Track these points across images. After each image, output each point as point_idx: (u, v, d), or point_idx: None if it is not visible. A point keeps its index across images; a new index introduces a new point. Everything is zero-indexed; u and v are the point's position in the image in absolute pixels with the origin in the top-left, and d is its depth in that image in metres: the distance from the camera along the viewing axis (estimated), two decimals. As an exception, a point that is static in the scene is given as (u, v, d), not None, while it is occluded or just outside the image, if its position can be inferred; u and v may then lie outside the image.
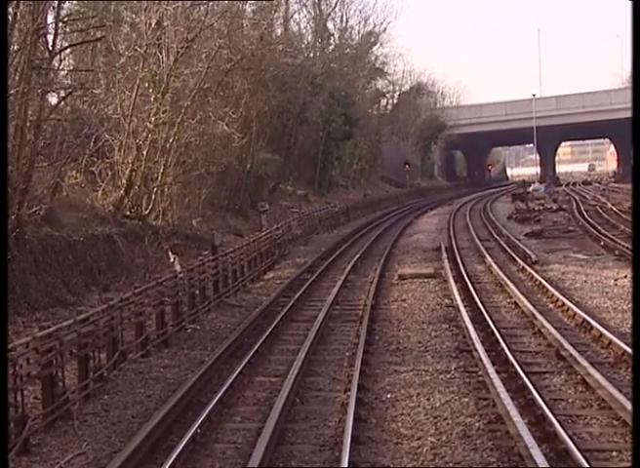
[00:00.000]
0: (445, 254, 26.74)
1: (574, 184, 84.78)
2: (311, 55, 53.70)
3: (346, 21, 63.51)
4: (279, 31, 47.49)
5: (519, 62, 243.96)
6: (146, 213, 26.02)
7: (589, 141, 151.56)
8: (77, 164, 24.13)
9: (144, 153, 25.39)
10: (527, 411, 9.76)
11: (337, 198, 52.06)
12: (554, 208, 48.19)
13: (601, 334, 13.58)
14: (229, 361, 13.05)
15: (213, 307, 18.21)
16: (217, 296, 18.80)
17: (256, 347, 13.81)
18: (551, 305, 17.35)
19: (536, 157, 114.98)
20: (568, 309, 16.28)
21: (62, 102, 21.57)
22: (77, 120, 22.00)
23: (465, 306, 17.03)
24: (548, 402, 10.01)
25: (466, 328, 14.56)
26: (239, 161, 35.95)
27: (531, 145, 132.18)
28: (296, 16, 56.95)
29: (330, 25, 61.14)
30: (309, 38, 57.73)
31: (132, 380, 11.88)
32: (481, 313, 16.11)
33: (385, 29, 67.71)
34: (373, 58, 69.48)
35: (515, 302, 17.63)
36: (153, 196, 26.23)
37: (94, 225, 22.68)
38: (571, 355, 12.15)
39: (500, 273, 21.85)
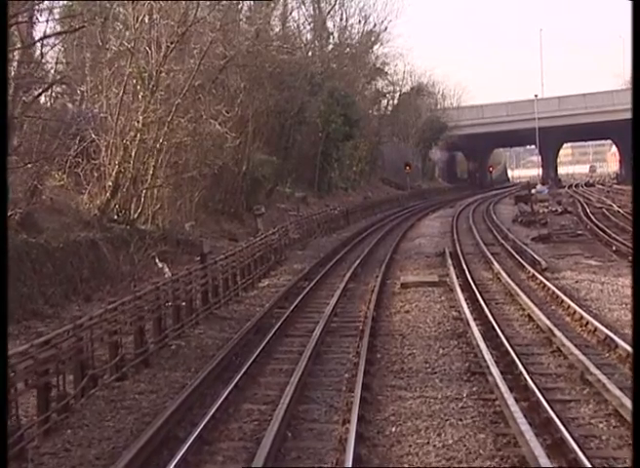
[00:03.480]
0: (449, 260, 25.36)
1: (576, 186, 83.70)
2: (310, 53, 52.37)
3: (346, 20, 62.23)
4: (277, 29, 46.06)
5: (521, 63, 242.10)
6: (135, 217, 24.67)
7: (590, 143, 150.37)
8: (60, 165, 22.75)
9: (133, 154, 24.02)
10: (556, 452, 8.40)
11: (336, 200, 50.67)
12: (559, 210, 46.86)
13: (628, 355, 12.20)
14: (214, 385, 11.68)
15: (201, 320, 16.83)
16: (205, 308, 17.42)
17: (245, 368, 12.45)
18: (568, 318, 15.98)
19: (538, 159, 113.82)
20: (587, 323, 14.91)
21: (42, 99, 20.20)
22: (54, 117, 20.56)
23: (475, 319, 15.65)
24: (578, 439, 8.64)
25: (478, 345, 13.19)
26: (235, 162, 34.60)
27: (532, 147, 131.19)
28: (294, 14, 55.62)
29: (329, 24, 59.90)
30: (308, 36, 56.45)
31: (101, 410, 10.49)
32: (492, 328, 14.74)
33: (386, 28, 66.44)
34: (373, 58, 68.21)
35: (529, 315, 16.26)
36: (142, 199, 24.85)
37: (77, 230, 21.31)
38: (598, 380, 10.79)
39: (510, 281, 20.50)
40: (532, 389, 10.50)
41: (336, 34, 61.80)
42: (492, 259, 25.21)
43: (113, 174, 22.93)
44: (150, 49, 23.57)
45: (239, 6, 36.36)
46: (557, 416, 9.36)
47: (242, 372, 12.19)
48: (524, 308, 17.07)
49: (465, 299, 18.04)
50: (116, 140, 23.33)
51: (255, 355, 13.34)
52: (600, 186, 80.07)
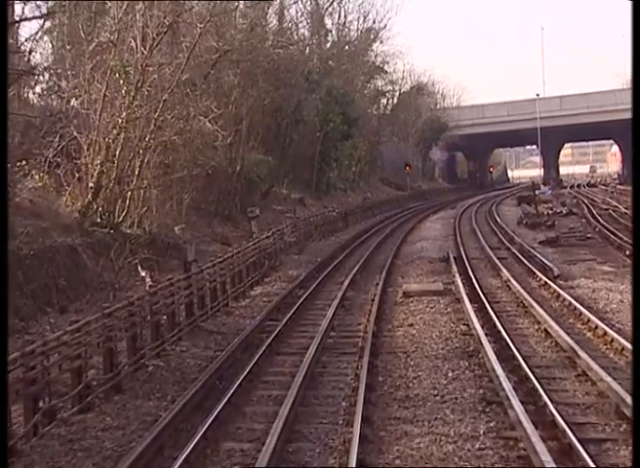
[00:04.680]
0: (454, 266, 23.84)
1: (578, 186, 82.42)
2: (307, 51, 50.86)
3: (345, 17, 60.76)
4: (273, 24, 44.51)
5: (521, 63, 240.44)
6: (119, 220, 23.14)
7: (590, 143, 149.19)
8: (39, 164, 21.24)
9: (118, 153, 22.50)
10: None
11: (334, 201, 49.13)
12: (564, 212, 45.44)
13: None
14: (192, 417, 10.17)
15: (185, 335, 15.28)
16: (190, 321, 15.87)
17: (228, 395, 10.95)
18: (589, 334, 14.47)
19: (538, 159, 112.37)
20: (612, 340, 13.41)
21: (13, 93, 18.67)
22: (22, 111, 19.04)
23: (486, 334, 14.13)
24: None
25: (492, 368, 11.67)
26: (228, 162, 33.10)
27: (531, 147, 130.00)
28: (291, 11, 54.09)
29: (327, 21, 58.40)
30: (306, 34, 54.90)
31: (54, 454, 8.94)
32: (507, 345, 13.23)
33: (385, 26, 65.07)
34: (372, 56, 66.79)
35: (546, 330, 14.73)
36: (127, 201, 23.33)
37: (54, 235, 19.77)
38: (636, 413, 9.27)
39: (520, 289, 19.00)
40: (560, 426, 9.00)
41: (334, 31, 60.41)
42: (499, 265, 23.71)
43: (95, 174, 21.40)
44: (135, 41, 22.03)
45: (235, 4, 34.79)
46: (593, 462, 7.87)
47: (225, 401, 10.69)
48: (539, 321, 15.56)
49: (474, 311, 16.54)
50: (99, 139, 21.80)
51: (241, 378, 11.84)
52: (603, 187, 78.75)
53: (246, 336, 14.96)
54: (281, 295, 20.11)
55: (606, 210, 43.36)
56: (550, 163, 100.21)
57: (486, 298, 18.10)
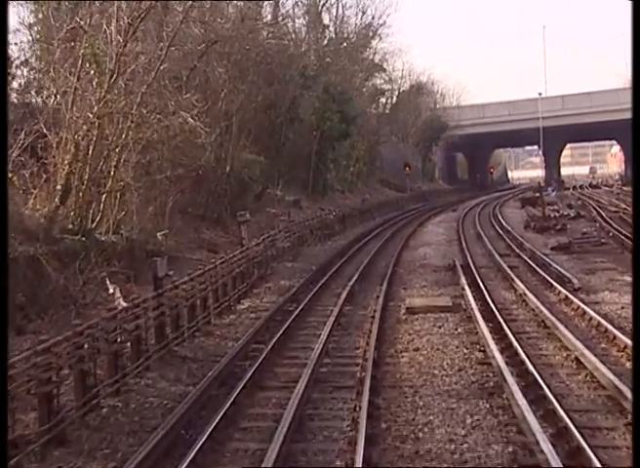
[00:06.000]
0: (462, 276, 21.68)
1: (580, 187, 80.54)
2: (303, 46, 48.68)
3: (343, 12, 58.61)
4: (268, 16, 42.26)
5: (522, 61, 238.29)
6: (93, 226, 20.93)
7: (589, 144, 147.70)
8: None
9: (91, 151, 20.29)
10: None
11: (332, 203, 46.93)
12: (572, 214, 43.40)
13: None
14: (144, 486, 8.00)
15: (154, 363, 13.05)
16: (161, 346, 13.64)
17: (194, 451, 8.78)
18: (629, 364, 12.29)
19: (538, 160, 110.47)
20: (660, 374, 11.22)
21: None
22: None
23: (507, 364, 11.99)
24: None
25: (522, 414, 9.49)
26: (217, 162, 30.91)
27: (531, 148, 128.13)
28: (288, 3, 51.98)
29: (324, 16, 56.23)
30: (302, 28, 52.76)
31: None
32: (535, 381, 11.05)
33: (385, 22, 63.03)
34: (371, 53, 64.77)
35: (577, 359, 12.53)
36: (102, 205, 21.12)
37: (15, 244, 17.56)
38: None
39: (539, 305, 16.85)
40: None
41: (332, 28, 58.28)
42: (511, 275, 21.57)
43: (63, 175, 19.18)
44: (109, 27, 19.82)
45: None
46: None
47: (189, 460, 8.52)
48: (567, 347, 13.38)
49: (489, 332, 14.37)
50: (68, 136, 19.60)
51: (213, 425, 9.66)
52: (606, 188, 76.85)
53: (226, 365, 12.80)
54: (270, 311, 17.96)
55: (616, 212, 41.25)
56: (552, 164, 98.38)
57: (501, 316, 15.95)
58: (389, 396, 11.17)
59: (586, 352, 12.45)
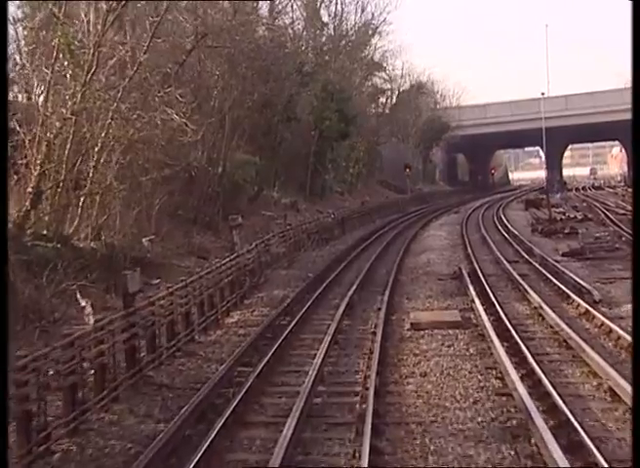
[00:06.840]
0: (470, 286, 20.01)
1: (583, 189, 79.03)
2: (301, 42, 47.04)
3: (342, 9, 57.02)
4: (264, 11, 40.61)
5: (524, 61, 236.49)
6: (70, 231, 19.29)
7: (590, 145, 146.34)
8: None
9: (66, 150, 18.65)
10: None
11: (331, 206, 45.31)
12: (579, 217, 41.77)
13: None
14: None
15: (124, 392, 11.37)
16: (133, 373, 11.94)
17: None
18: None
19: (538, 160, 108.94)
20: None
21: None
22: None
23: (530, 395, 10.31)
24: None
25: (553, 459, 7.80)
26: (209, 162, 29.28)
27: (531, 148, 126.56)
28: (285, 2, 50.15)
29: (323, 12, 54.64)
30: (300, 25, 51.12)
31: None
32: (567, 420, 9.36)
33: (385, 19, 61.42)
34: (371, 51, 63.25)
35: (611, 389, 10.85)
36: (80, 208, 19.48)
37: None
38: None
39: (558, 320, 15.20)
40: None
41: (330, 25, 56.67)
42: (524, 285, 19.92)
43: (34, 177, 17.52)
44: (87, 16, 18.17)
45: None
46: None
47: None
48: (596, 374, 11.70)
49: (506, 354, 12.71)
50: (41, 133, 17.94)
51: (183, 478, 8.00)
52: (610, 189, 75.42)
53: (206, 395, 11.11)
54: (261, 326, 16.29)
55: (624, 215, 39.67)
56: (554, 165, 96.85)
57: (517, 334, 14.29)
58: (394, 436, 9.49)
59: (620, 380, 10.78)
